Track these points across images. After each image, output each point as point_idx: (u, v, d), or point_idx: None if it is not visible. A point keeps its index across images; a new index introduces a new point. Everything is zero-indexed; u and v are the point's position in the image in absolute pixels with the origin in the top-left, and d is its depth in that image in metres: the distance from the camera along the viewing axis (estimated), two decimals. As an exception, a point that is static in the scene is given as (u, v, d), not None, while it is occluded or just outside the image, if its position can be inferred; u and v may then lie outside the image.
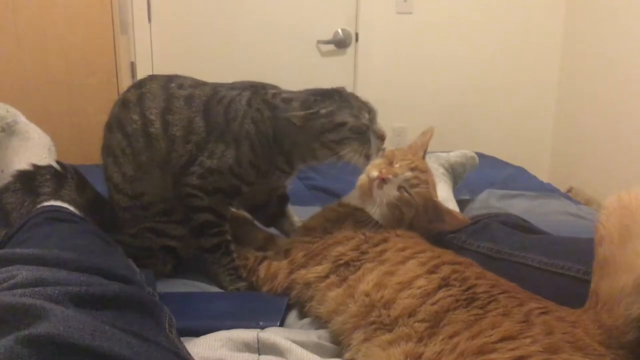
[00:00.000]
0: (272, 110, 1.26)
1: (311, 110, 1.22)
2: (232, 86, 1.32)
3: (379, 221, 1.19)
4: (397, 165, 1.20)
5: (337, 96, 1.25)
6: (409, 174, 1.19)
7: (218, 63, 2.94)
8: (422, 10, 3.16)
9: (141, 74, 2.82)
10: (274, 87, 1.33)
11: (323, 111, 1.22)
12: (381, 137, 1.25)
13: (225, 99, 1.27)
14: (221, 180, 1.25)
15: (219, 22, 2.99)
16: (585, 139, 3.20)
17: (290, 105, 1.25)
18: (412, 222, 1.20)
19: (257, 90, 1.30)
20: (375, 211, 1.19)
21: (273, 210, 1.44)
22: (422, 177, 1.21)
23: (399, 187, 1.18)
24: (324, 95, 1.26)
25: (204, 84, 1.32)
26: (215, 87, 1.31)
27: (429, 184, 1.23)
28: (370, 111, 1.26)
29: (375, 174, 1.18)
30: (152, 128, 1.25)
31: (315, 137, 1.22)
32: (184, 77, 1.34)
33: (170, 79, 1.32)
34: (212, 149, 1.24)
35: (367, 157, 1.22)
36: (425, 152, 1.32)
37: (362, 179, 1.21)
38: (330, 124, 1.21)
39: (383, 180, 1.17)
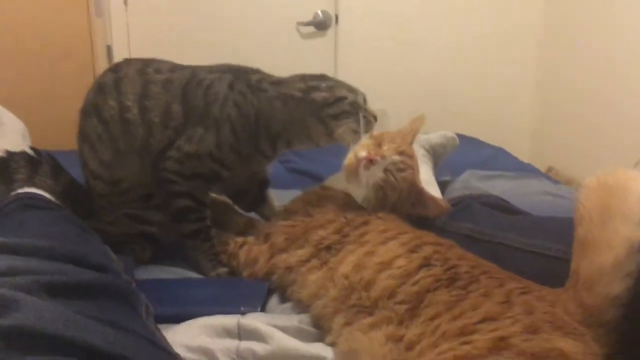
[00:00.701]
0: (258, 94, 1.25)
1: (313, 83, 1.24)
2: (211, 69, 1.30)
3: (362, 203, 1.19)
4: (385, 148, 1.19)
5: (328, 77, 1.29)
6: (396, 157, 1.18)
7: (196, 46, 2.89)
8: (402, -9, 3.14)
9: (118, 58, 2.77)
10: (256, 70, 1.32)
11: (324, 85, 1.25)
12: (374, 118, 1.28)
13: (205, 82, 1.26)
14: (200, 165, 1.23)
15: (197, 4, 2.94)
16: (565, 120, 3.22)
17: (281, 85, 1.25)
18: (395, 205, 1.20)
19: (238, 73, 1.29)
20: (359, 192, 1.19)
21: (253, 195, 1.43)
22: (408, 162, 1.21)
23: (386, 170, 1.17)
24: (316, 75, 1.28)
25: (182, 67, 1.30)
26: (194, 71, 1.29)
27: (415, 170, 1.23)
28: (361, 93, 1.30)
29: (363, 154, 1.17)
30: (129, 114, 1.23)
31: (313, 112, 1.23)
32: (162, 61, 1.31)
33: (147, 63, 1.29)
34: (190, 133, 1.23)
35: (358, 137, 1.23)
36: (413, 138, 1.31)
37: (350, 158, 1.20)
38: (331, 97, 1.23)
39: (370, 161, 1.16)
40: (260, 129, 1.25)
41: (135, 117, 1.23)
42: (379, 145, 1.20)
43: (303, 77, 1.28)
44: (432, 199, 1.23)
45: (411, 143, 1.30)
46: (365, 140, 1.21)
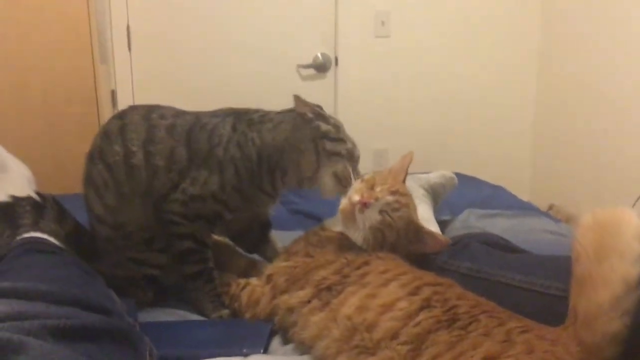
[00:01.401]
0: (259, 128, 1.28)
1: (324, 114, 1.29)
2: (215, 114, 1.33)
3: (362, 245, 1.20)
4: (378, 190, 1.21)
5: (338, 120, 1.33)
6: (390, 197, 1.20)
7: (199, 90, 2.95)
8: (399, 34, 3.21)
9: (122, 103, 2.83)
10: (257, 110, 1.35)
11: (332, 121, 1.29)
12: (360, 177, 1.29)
13: (208, 126, 1.28)
14: (203, 206, 1.25)
15: (199, 49, 3.00)
16: (565, 157, 3.24)
17: (291, 111, 1.30)
18: (394, 244, 1.21)
19: (240, 115, 1.32)
20: (357, 235, 1.20)
21: (256, 237, 1.44)
22: (402, 200, 1.22)
23: (381, 211, 1.19)
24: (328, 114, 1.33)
25: (186, 113, 1.33)
26: (198, 115, 1.32)
27: (410, 207, 1.24)
28: (358, 149, 1.33)
29: (357, 198, 1.18)
30: (134, 159, 1.25)
31: (313, 138, 1.26)
32: (166, 107, 1.34)
33: (151, 109, 1.32)
34: (194, 176, 1.25)
35: (344, 186, 1.26)
36: (405, 176, 1.33)
37: (344, 203, 1.21)
38: (335, 134, 1.27)
39: (365, 205, 1.18)
40: (262, 164, 1.27)
41: (139, 162, 1.25)
42: (371, 187, 1.22)
43: (318, 106, 1.31)
44: (431, 234, 1.24)
45: (403, 181, 1.31)
46: (357, 184, 1.23)
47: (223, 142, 1.26)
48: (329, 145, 1.26)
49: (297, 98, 1.30)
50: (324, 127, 1.27)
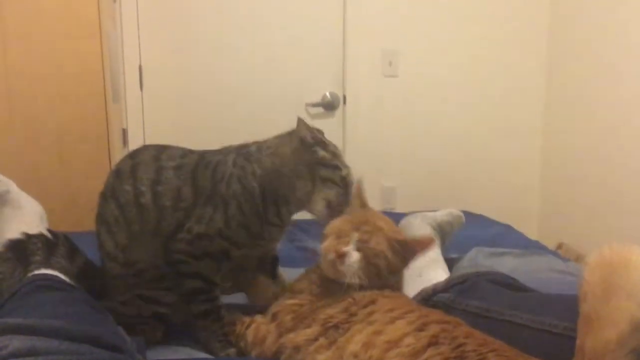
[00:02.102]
0: (258, 158, 1.30)
1: (325, 140, 1.31)
2: (219, 151, 1.36)
3: (362, 283, 1.19)
4: (343, 234, 1.21)
5: (335, 146, 1.35)
6: (355, 234, 1.19)
7: (209, 129, 2.98)
8: (407, 74, 3.25)
9: (132, 141, 2.87)
10: (255, 142, 1.37)
11: (330, 147, 1.32)
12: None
13: (212, 164, 1.31)
14: (210, 244, 1.26)
15: (210, 89, 3.05)
16: (573, 195, 3.23)
17: (285, 137, 1.32)
18: (390, 267, 1.20)
19: (239, 150, 1.34)
20: (353, 281, 1.18)
21: (264, 274, 1.45)
22: (367, 228, 1.21)
23: (358, 249, 1.18)
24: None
25: (192, 152, 1.36)
26: (202, 154, 1.35)
27: (382, 227, 1.22)
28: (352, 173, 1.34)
29: (332, 256, 1.18)
30: (143, 198, 1.27)
31: (308, 163, 1.27)
32: (175, 148, 1.37)
33: (161, 149, 1.35)
34: (199, 214, 1.26)
35: (333, 213, 1.28)
36: (362, 202, 1.31)
37: (324, 264, 1.21)
38: (330, 160, 1.28)
39: (342, 256, 1.17)
40: (266, 195, 1.28)
41: (148, 202, 1.27)
42: (337, 236, 1.21)
43: (319, 131, 1.34)
44: (414, 240, 1.24)
45: (363, 206, 1.31)
46: (326, 242, 1.22)
47: (225, 178, 1.28)
48: (323, 172, 1.28)
49: (300, 121, 1.31)
50: (321, 152, 1.29)
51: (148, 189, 1.28)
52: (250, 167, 1.29)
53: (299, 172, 1.28)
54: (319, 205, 1.29)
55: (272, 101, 3.10)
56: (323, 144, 1.31)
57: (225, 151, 1.36)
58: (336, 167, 1.30)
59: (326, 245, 1.21)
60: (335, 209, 1.29)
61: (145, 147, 1.37)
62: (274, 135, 1.37)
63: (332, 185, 1.29)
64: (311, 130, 1.31)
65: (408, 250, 1.22)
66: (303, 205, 1.31)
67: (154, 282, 1.31)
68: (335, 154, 1.32)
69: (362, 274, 1.17)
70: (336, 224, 1.25)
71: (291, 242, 1.95)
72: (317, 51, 3.16)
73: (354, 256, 1.17)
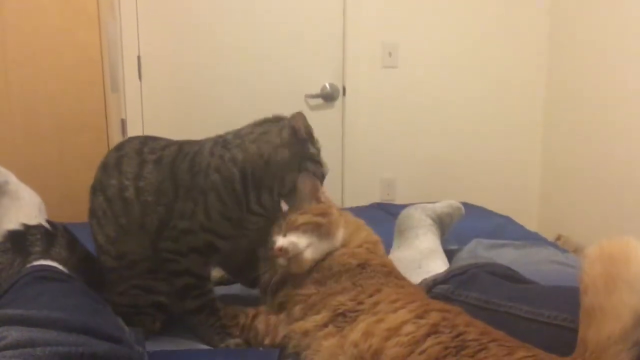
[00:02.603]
0: (238, 142, 1.28)
1: (315, 136, 1.32)
2: (197, 142, 1.34)
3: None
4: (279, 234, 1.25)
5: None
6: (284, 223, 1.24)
7: (207, 119, 2.97)
8: (407, 65, 3.24)
9: (131, 131, 2.86)
10: (230, 131, 1.35)
11: (317, 144, 1.33)
12: None
13: (189, 155, 1.29)
14: (194, 239, 1.25)
15: (208, 80, 3.04)
16: (573, 187, 3.23)
17: (269, 125, 1.31)
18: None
19: (216, 139, 1.33)
20: (313, 259, 1.23)
21: (256, 272, 1.44)
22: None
23: (289, 244, 1.21)
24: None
25: (172, 144, 1.34)
26: (180, 145, 1.33)
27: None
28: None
29: (276, 251, 1.22)
30: (127, 193, 1.27)
31: (299, 157, 1.28)
32: (158, 139, 1.36)
33: (145, 142, 1.34)
34: (181, 210, 1.25)
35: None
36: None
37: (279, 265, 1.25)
38: (317, 157, 1.30)
39: (279, 252, 1.21)
40: (247, 182, 1.26)
41: (131, 197, 1.27)
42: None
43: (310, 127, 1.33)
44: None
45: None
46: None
47: (203, 168, 1.26)
48: (310, 167, 1.29)
49: (300, 114, 1.30)
50: (311, 149, 1.30)
51: (131, 183, 1.27)
52: (229, 154, 1.27)
53: (289, 163, 1.27)
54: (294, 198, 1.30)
55: (271, 92, 3.08)
56: (313, 139, 1.31)
57: (202, 141, 1.34)
58: (320, 164, 1.31)
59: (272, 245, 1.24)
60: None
61: (129, 140, 1.37)
62: (247, 124, 1.35)
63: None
64: (306, 124, 1.30)
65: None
66: (285, 195, 1.31)
67: (148, 272, 1.30)
68: (319, 150, 1.33)
69: (321, 248, 1.23)
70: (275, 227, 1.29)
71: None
72: (316, 42, 3.15)
73: (294, 247, 1.21)
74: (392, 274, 1.23)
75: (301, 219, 1.23)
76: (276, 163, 1.27)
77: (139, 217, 1.26)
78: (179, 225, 1.25)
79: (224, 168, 1.26)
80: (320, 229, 1.24)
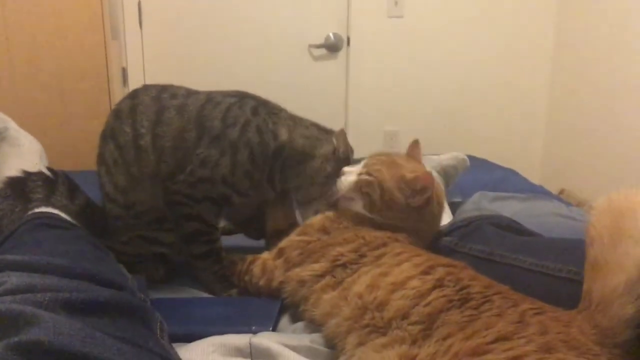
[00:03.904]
0: (289, 123, 1.29)
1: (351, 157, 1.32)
2: (228, 94, 1.32)
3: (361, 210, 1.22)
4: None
5: None
6: (368, 160, 1.27)
7: (210, 68, 2.94)
8: (413, 14, 3.17)
9: (132, 80, 2.83)
10: (275, 104, 1.35)
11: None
12: None
13: (222, 105, 1.27)
14: (211, 188, 1.24)
15: (210, 28, 2.99)
16: (576, 141, 3.22)
17: (314, 129, 1.32)
18: (391, 206, 1.20)
19: (261, 100, 1.31)
20: (338, 197, 1.26)
21: (262, 224, 1.43)
22: (383, 159, 1.27)
23: (358, 174, 1.24)
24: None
25: (197, 92, 1.32)
26: (210, 94, 1.31)
27: (397, 163, 1.26)
28: None
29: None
30: (142, 140, 1.24)
31: (328, 175, 1.28)
32: (178, 87, 1.33)
33: (163, 89, 1.31)
34: (203, 157, 1.23)
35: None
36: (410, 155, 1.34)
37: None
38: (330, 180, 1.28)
39: (343, 173, 1.26)
40: (278, 159, 1.26)
41: (147, 144, 1.24)
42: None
43: (351, 150, 1.34)
44: (414, 177, 1.21)
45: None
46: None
47: (239, 123, 1.24)
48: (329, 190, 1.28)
49: (342, 132, 1.32)
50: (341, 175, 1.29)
51: (148, 131, 1.24)
52: (274, 125, 1.27)
53: (320, 176, 1.28)
54: (310, 211, 1.30)
55: (274, 42, 3.04)
56: (348, 163, 1.31)
57: (235, 94, 1.32)
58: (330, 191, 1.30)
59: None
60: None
61: (145, 87, 1.33)
62: (312, 121, 1.35)
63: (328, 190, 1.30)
64: (347, 145, 1.31)
65: (409, 186, 1.20)
66: (299, 200, 1.32)
67: (154, 223, 1.30)
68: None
69: (358, 199, 1.23)
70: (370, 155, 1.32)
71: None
72: (320, -9, 3.08)
73: (350, 177, 1.25)
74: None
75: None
76: (309, 167, 1.28)
77: (153, 165, 1.25)
78: (198, 172, 1.23)
79: (266, 133, 1.26)
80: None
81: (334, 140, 1.29)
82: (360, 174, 1.24)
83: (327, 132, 1.33)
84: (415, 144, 1.38)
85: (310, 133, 1.30)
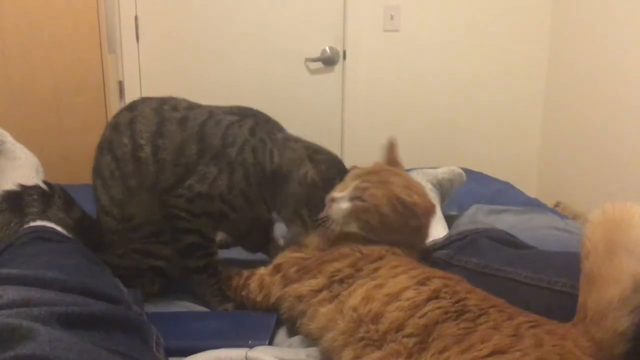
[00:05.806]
0: (285, 144, 1.28)
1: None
2: (230, 111, 1.32)
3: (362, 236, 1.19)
4: (349, 183, 1.22)
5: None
6: (355, 183, 1.20)
7: (206, 82, 2.94)
8: (409, 29, 3.19)
9: (129, 93, 2.84)
10: (276, 122, 1.35)
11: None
12: None
13: (223, 123, 1.27)
14: (210, 204, 1.25)
15: (207, 41, 3.00)
16: (572, 155, 3.22)
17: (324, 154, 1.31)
18: (389, 228, 1.19)
19: (259, 120, 1.31)
20: (334, 228, 1.20)
21: (259, 236, 1.44)
22: (372, 178, 1.21)
23: (351, 199, 1.19)
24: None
25: (199, 106, 1.32)
26: (211, 110, 1.31)
27: (389, 181, 1.22)
28: None
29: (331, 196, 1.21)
30: (141, 153, 1.25)
31: (307, 203, 1.26)
32: (178, 99, 1.33)
33: (164, 101, 1.31)
34: (203, 172, 1.24)
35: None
36: (393, 159, 1.33)
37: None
38: (319, 205, 1.23)
39: (333, 200, 1.20)
40: (273, 180, 1.26)
41: (147, 156, 1.24)
42: (344, 184, 1.24)
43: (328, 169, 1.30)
44: (414, 202, 1.19)
45: (393, 162, 1.36)
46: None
47: (237, 143, 1.25)
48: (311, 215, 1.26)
49: (328, 159, 1.31)
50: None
51: (148, 142, 1.25)
52: (272, 148, 1.27)
53: (299, 203, 1.27)
54: (293, 230, 1.31)
55: (271, 55, 3.05)
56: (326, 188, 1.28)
57: (237, 112, 1.32)
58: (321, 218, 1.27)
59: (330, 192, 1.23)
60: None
61: (145, 99, 1.33)
62: (303, 142, 1.32)
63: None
64: (324, 171, 1.28)
65: (407, 210, 1.18)
66: (284, 219, 1.32)
67: (151, 236, 1.30)
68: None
69: (354, 223, 1.19)
70: (352, 172, 1.27)
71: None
72: (317, 5, 3.09)
73: (344, 202, 1.19)
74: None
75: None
76: (294, 192, 1.27)
77: (152, 177, 1.25)
78: (196, 188, 1.23)
79: (262, 155, 1.26)
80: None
81: (308, 164, 1.27)
82: (352, 198, 1.19)
83: (315, 153, 1.31)
84: (391, 145, 1.37)
85: (297, 155, 1.28)
